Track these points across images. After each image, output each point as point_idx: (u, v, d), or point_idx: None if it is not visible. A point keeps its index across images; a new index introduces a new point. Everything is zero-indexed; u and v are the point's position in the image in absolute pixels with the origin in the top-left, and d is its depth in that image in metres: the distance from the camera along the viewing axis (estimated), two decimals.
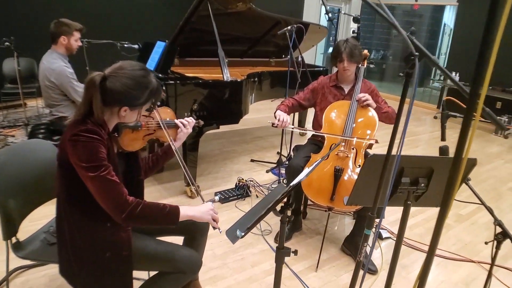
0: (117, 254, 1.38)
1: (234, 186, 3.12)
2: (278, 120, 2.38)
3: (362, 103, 2.42)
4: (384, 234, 2.67)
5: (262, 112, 5.67)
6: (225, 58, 2.92)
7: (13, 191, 1.53)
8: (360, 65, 2.58)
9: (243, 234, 1.26)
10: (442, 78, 8.18)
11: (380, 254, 2.47)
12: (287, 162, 3.69)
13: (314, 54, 7.32)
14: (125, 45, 3.76)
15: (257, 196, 3.10)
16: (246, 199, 3.02)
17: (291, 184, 1.28)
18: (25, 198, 1.60)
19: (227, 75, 2.88)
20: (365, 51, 2.60)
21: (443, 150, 1.75)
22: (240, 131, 4.84)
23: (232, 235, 1.27)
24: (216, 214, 1.49)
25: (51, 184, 1.50)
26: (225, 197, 2.95)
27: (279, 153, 3.78)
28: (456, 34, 6.65)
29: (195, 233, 1.69)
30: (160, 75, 2.83)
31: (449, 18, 8.68)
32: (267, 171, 3.58)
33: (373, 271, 2.28)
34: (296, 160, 2.44)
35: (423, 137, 5.40)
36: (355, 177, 2.26)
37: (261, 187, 3.23)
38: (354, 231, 2.43)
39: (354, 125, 2.39)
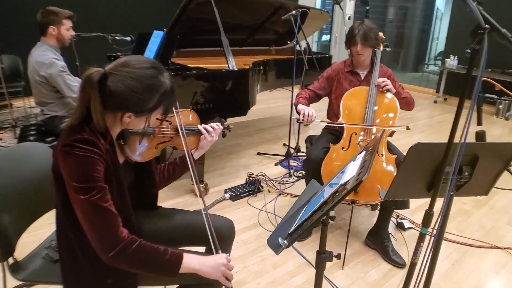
0: (121, 281, 1.17)
1: (244, 182, 2.95)
2: (303, 115, 2.20)
3: (381, 88, 2.27)
4: (406, 224, 2.55)
5: (262, 103, 5.51)
6: (229, 46, 2.73)
7: (7, 204, 1.30)
8: (376, 49, 2.43)
9: (285, 242, 1.10)
10: (437, 62, 8.12)
11: (405, 246, 2.35)
12: (295, 154, 3.54)
13: (310, 42, 7.14)
14: (117, 38, 3.53)
15: (269, 192, 2.94)
16: (258, 195, 2.86)
17: (348, 182, 1.08)
18: (22, 211, 1.37)
19: (233, 63, 2.69)
20: (381, 34, 2.44)
21: (480, 135, 1.63)
22: (241, 124, 4.66)
23: (274, 243, 1.11)
24: (231, 270, 1.20)
25: (51, 191, 1.24)
26: (236, 194, 2.79)
27: (287, 145, 3.62)
28: (454, 17, 6.53)
29: (220, 243, 1.45)
30: None
31: (441, 2, 8.60)
32: (275, 164, 3.42)
33: (400, 264, 2.15)
34: (315, 151, 2.29)
35: (426, 122, 5.31)
36: (378, 167, 2.13)
37: (272, 181, 3.07)
38: (378, 223, 2.30)
39: (374, 112, 2.25)
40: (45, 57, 2.50)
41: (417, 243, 1.24)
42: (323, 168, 2.18)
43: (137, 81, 1.06)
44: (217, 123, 1.52)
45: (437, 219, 1.18)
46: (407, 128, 2.18)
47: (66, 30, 2.62)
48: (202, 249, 1.50)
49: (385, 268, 2.15)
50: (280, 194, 2.89)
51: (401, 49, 8.41)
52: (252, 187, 2.86)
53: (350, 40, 2.33)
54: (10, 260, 1.32)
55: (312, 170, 2.24)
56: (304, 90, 2.48)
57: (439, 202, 2.99)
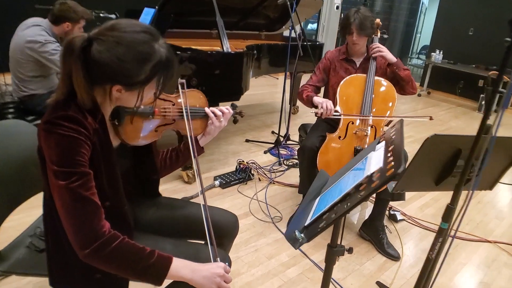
0: (110, 276, 1.03)
1: (234, 169, 2.86)
2: (322, 108, 2.11)
3: (372, 50, 2.24)
4: (398, 216, 2.54)
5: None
6: (224, 28, 2.61)
7: None
8: (374, 36, 2.37)
9: (302, 235, 1.02)
10: (420, 56, 8.20)
11: (398, 239, 2.33)
12: (284, 142, 3.48)
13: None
14: (101, 15, 3.33)
15: (259, 180, 2.86)
16: (249, 183, 2.78)
17: (373, 174, 0.97)
18: (4, 196, 1.24)
19: (227, 46, 2.57)
20: (377, 20, 2.38)
21: (486, 129, 1.61)
22: None
23: (292, 237, 1.03)
24: (229, 282, 1.05)
25: (36, 173, 1.12)
26: (226, 182, 2.69)
27: (277, 134, 3.54)
28: (441, 12, 6.58)
29: (222, 239, 1.37)
30: None
31: None
32: (265, 152, 3.34)
33: (395, 257, 2.14)
34: (311, 140, 2.22)
35: (409, 115, 5.34)
36: None
37: (263, 169, 2.99)
38: (373, 215, 2.26)
39: (372, 100, 2.20)
40: (43, 38, 2.40)
41: (435, 238, 1.19)
42: (319, 157, 2.12)
43: (125, 48, 0.91)
44: (227, 107, 1.36)
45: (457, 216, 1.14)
46: (430, 118, 2.15)
47: (78, 29, 2.58)
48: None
49: (379, 260, 2.13)
50: (271, 182, 2.82)
51: (385, 42, 8.48)
52: (243, 174, 2.78)
53: (345, 29, 2.26)
54: None
55: (308, 159, 2.18)
56: (305, 85, 2.40)
57: (432, 193, 2.96)
